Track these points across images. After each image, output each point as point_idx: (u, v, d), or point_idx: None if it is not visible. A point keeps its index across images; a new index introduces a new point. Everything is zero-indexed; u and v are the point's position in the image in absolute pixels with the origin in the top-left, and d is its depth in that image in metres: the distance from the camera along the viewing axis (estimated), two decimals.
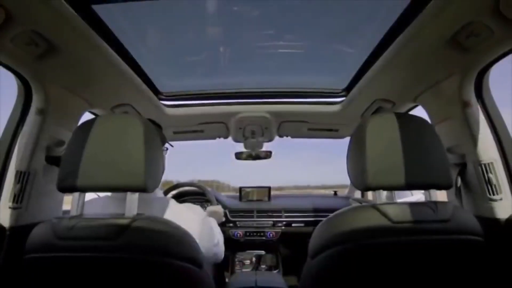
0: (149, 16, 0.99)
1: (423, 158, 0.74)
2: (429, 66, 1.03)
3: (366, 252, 0.72)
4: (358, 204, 1.26)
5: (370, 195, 2.13)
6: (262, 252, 2.13)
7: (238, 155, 2.06)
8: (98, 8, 0.87)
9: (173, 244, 0.71)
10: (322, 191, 3.54)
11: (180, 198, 2.12)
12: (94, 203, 0.94)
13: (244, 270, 2.07)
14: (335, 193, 2.47)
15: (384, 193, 0.78)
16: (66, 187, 0.73)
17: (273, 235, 2.03)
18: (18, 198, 1.01)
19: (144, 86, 1.31)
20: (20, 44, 0.85)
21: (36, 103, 1.04)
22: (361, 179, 0.76)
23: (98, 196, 1.07)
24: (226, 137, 1.93)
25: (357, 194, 2.29)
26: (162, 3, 0.93)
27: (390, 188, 0.76)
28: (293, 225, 2.04)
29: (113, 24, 0.96)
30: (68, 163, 0.73)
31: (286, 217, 2.06)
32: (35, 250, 0.70)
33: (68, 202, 0.88)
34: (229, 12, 1.00)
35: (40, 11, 0.77)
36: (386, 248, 0.71)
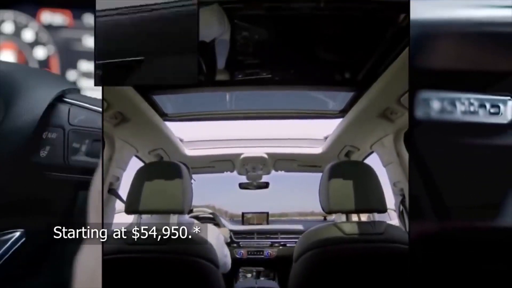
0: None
1: (366, 192, 1.12)
2: (374, 127, 1.50)
3: (328, 255, 1.10)
4: None
5: (353, 219, 2.51)
6: (262, 268, 2.45)
7: (242, 185, 2.50)
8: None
9: (199, 248, 1.05)
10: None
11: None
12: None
13: None
14: (325, 218, 2.84)
15: (343, 216, 1.15)
16: (131, 211, 1.12)
17: (270, 254, 2.35)
18: None
19: (172, 136, 1.78)
20: (107, 118, 1.32)
21: (107, 153, 1.50)
22: (326, 205, 1.13)
23: (141, 217, 1.50)
24: (232, 171, 2.39)
25: (342, 218, 2.68)
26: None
27: (346, 212, 1.18)
28: (287, 245, 2.36)
29: (159, 99, 1.45)
30: (133, 195, 1.11)
31: (282, 238, 2.38)
32: (111, 253, 1.09)
33: None
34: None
35: (124, 100, 1.24)
36: (341, 252, 1.10)
